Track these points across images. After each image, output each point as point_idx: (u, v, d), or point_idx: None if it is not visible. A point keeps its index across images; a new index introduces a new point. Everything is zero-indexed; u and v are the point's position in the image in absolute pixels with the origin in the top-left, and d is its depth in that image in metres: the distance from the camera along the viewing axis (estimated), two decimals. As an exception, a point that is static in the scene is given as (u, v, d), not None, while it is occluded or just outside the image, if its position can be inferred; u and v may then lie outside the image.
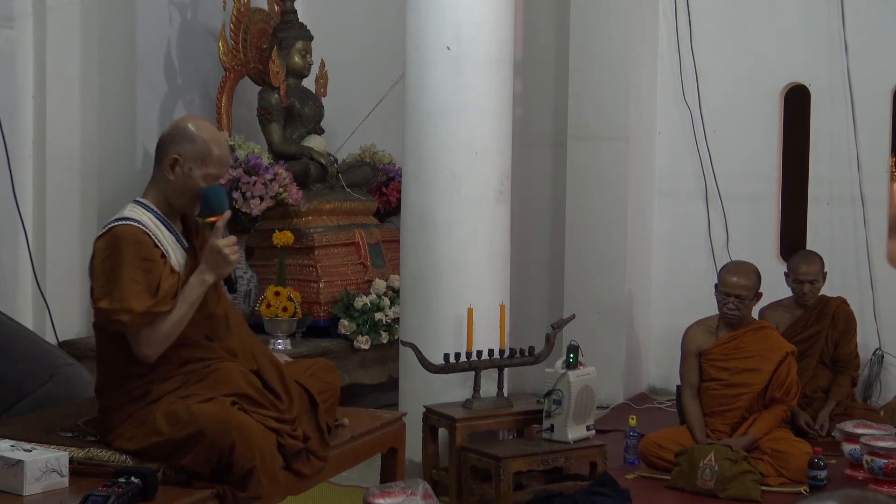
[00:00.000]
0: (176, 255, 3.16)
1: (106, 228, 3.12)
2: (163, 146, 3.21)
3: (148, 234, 3.09)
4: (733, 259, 5.74)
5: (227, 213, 3.22)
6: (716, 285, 5.14)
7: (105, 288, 3.03)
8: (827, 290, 5.69)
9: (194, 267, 3.18)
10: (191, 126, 3.21)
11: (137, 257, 3.04)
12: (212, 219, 3.21)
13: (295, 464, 3.17)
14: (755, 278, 5.03)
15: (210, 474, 2.95)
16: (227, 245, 3.15)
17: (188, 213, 3.27)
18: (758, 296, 5.07)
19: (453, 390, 4.78)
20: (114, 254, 3.05)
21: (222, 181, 3.37)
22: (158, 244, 3.10)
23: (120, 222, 3.10)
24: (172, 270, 3.10)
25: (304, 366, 3.53)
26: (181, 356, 3.12)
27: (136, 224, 3.09)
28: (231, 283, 3.26)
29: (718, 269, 6.00)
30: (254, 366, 3.28)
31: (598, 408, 4.80)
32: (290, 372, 3.41)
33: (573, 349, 4.50)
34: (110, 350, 3.13)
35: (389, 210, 6.65)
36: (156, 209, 3.17)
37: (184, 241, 3.22)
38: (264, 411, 3.13)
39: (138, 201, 3.20)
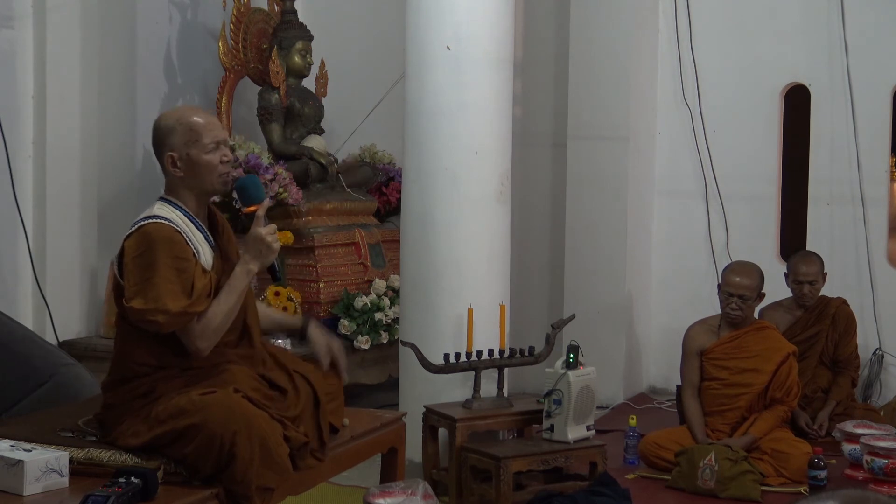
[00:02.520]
0: (205, 253, 3.15)
1: (136, 227, 3.08)
2: (157, 155, 3.22)
3: (180, 233, 3.08)
4: (733, 259, 5.75)
5: (267, 202, 3.25)
6: (719, 285, 5.14)
7: (137, 287, 3.00)
8: (827, 290, 5.69)
9: (221, 265, 3.18)
10: (163, 121, 3.22)
11: (171, 256, 3.02)
12: (251, 208, 3.24)
13: (298, 459, 3.17)
14: (758, 279, 5.04)
15: (212, 468, 2.93)
16: (269, 233, 3.16)
17: (221, 193, 3.26)
18: (760, 296, 5.08)
19: (453, 390, 4.78)
20: (146, 252, 3.02)
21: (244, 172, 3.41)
22: (189, 242, 3.09)
23: (150, 220, 3.07)
24: (204, 270, 3.10)
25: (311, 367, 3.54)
26: (190, 362, 3.11)
27: (167, 222, 3.07)
28: (274, 271, 3.27)
29: (719, 270, 6.02)
30: (262, 369, 3.28)
31: (598, 408, 4.80)
32: (301, 367, 3.42)
33: (573, 349, 4.50)
34: (127, 349, 3.12)
35: (389, 210, 6.65)
36: (184, 207, 3.16)
37: (211, 239, 3.22)
38: (268, 404, 3.14)
39: (166, 199, 3.18)
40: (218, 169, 3.16)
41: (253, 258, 3.15)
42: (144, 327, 3.03)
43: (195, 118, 3.20)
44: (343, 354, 3.58)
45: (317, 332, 3.57)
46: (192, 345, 3.06)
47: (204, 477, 2.96)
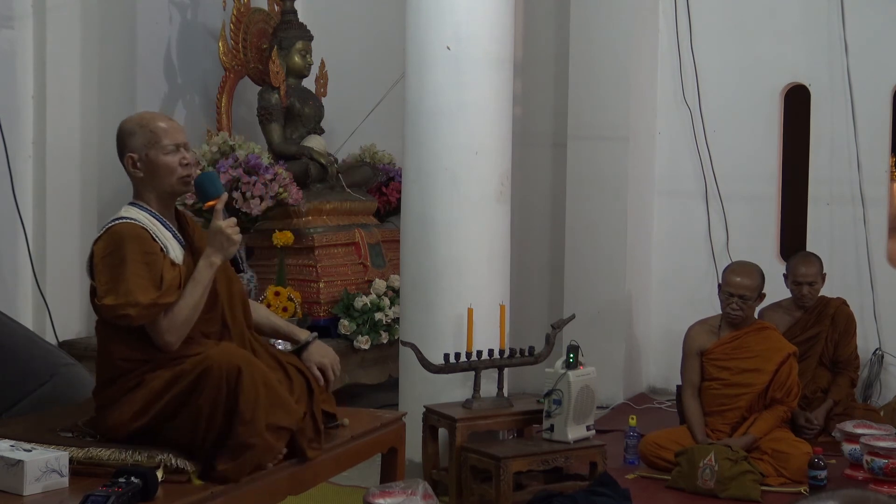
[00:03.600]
0: (174, 248, 3.20)
1: (103, 229, 3.17)
2: (120, 157, 3.28)
3: (145, 230, 3.14)
4: (733, 259, 5.75)
5: (225, 196, 3.30)
6: (719, 285, 5.14)
7: (109, 285, 3.05)
8: (827, 290, 5.69)
9: (192, 262, 3.21)
10: (126, 124, 3.30)
11: (139, 251, 3.08)
12: (210, 203, 3.29)
13: (298, 434, 3.18)
14: (759, 279, 5.04)
15: (221, 417, 2.95)
16: (229, 226, 3.20)
17: (182, 193, 3.30)
18: (761, 296, 5.08)
19: (453, 390, 4.78)
20: (115, 251, 3.08)
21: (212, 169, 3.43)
22: (157, 238, 3.15)
23: (117, 221, 3.15)
24: (173, 263, 3.15)
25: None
26: (177, 351, 3.13)
27: (132, 221, 3.14)
28: (237, 263, 3.32)
29: (719, 270, 6.02)
30: None
31: (598, 408, 4.80)
32: (293, 360, 3.44)
33: (573, 349, 4.50)
34: (110, 349, 3.15)
35: (389, 210, 6.65)
36: (150, 209, 3.22)
37: (180, 236, 3.26)
38: None
39: (133, 202, 3.26)
40: (177, 171, 3.23)
41: (215, 251, 3.19)
42: (117, 323, 3.07)
43: (155, 122, 3.27)
44: (334, 370, 3.52)
45: (314, 348, 3.54)
46: (160, 339, 3.09)
47: (217, 435, 2.96)
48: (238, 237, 3.21)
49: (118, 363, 3.12)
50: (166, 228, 3.22)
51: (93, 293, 3.15)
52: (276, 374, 3.30)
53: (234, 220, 3.25)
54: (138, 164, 3.22)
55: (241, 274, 3.50)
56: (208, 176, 3.37)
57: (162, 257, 3.12)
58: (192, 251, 3.26)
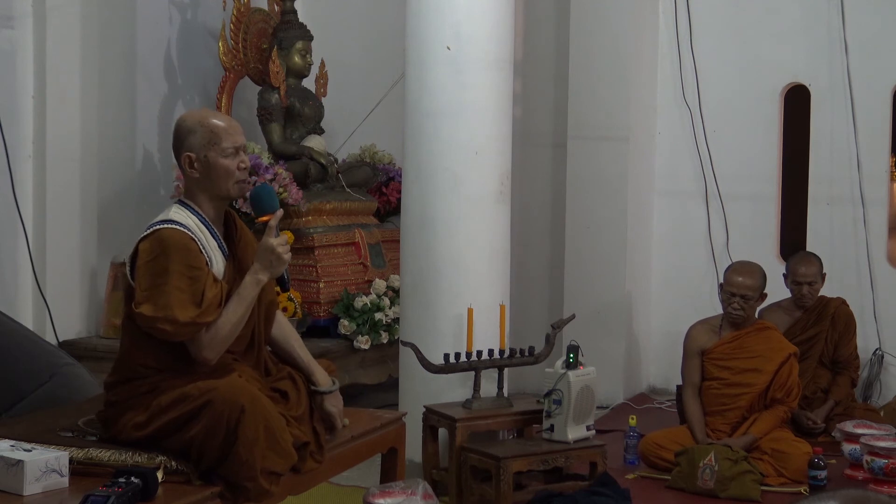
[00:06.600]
0: (217, 262, 3.14)
1: (151, 230, 3.07)
2: (175, 154, 3.21)
3: (195, 240, 3.06)
4: (734, 259, 5.75)
5: (280, 212, 3.24)
6: (720, 285, 5.14)
7: (148, 293, 2.99)
8: (827, 290, 5.69)
9: (234, 274, 3.17)
10: (185, 121, 3.22)
11: (184, 264, 3.00)
12: (264, 218, 3.23)
13: (299, 460, 3.17)
14: (761, 279, 5.04)
15: (217, 451, 2.93)
16: (281, 244, 3.15)
17: (236, 198, 3.25)
18: (763, 296, 5.08)
19: (453, 390, 4.78)
20: (159, 258, 3.01)
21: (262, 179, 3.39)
22: (203, 251, 3.08)
23: (166, 225, 3.06)
24: (215, 279, 3.08)
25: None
26: (194, 367, 3.11)
27: (182, 229, 3.06)
28: (283, 281, 3.28)
29: (719, 270, 6.02)
30: (265, 379, 3.29)
31: (598, 408, 4.80)
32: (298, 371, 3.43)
33: (573, 349, 4.50)
34: (133, 352, 3.13)
35: (389, 210, 6.65)
36: (201, 212, 3.15)
37: (225, 247, 3.20)
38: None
39: (183, 203, 3.17)
40: (235, 175, 3.16)
41: (263, 268, 3.14)
42: (152, 333, 3.03)
43: (216, 121, 3.20)
44: (340, 419, 3.50)
45: (329, 397, 3.44)
46: (199, 354, 3.06)
47: (208, 465, 2.96)
48: (288, 256, 3.16)
49: (136, 367, 3.11)
50: (213, 237, 3.15)
51: (129, 292, 3.09)
52: (284, 384, 3.29)
53: (285, 237, 3.20)
54: (195, 164, 3.14)
55: (286, 291, 3.45)
56: (266, 190, 3.32)
57: (206, 272, 3.05)
58: (234, 260, 3.21)
